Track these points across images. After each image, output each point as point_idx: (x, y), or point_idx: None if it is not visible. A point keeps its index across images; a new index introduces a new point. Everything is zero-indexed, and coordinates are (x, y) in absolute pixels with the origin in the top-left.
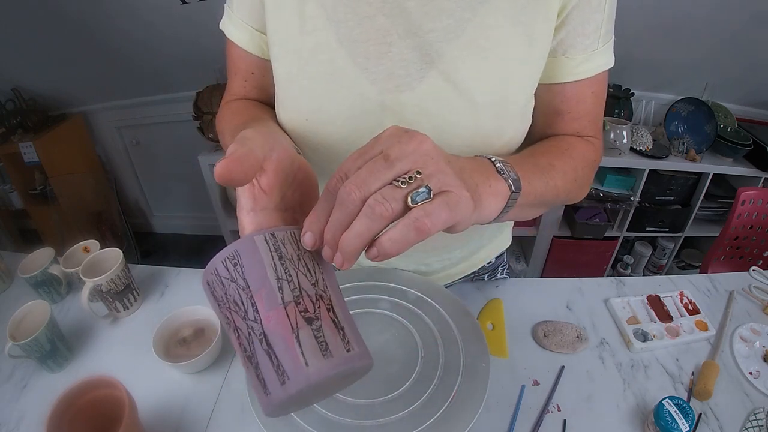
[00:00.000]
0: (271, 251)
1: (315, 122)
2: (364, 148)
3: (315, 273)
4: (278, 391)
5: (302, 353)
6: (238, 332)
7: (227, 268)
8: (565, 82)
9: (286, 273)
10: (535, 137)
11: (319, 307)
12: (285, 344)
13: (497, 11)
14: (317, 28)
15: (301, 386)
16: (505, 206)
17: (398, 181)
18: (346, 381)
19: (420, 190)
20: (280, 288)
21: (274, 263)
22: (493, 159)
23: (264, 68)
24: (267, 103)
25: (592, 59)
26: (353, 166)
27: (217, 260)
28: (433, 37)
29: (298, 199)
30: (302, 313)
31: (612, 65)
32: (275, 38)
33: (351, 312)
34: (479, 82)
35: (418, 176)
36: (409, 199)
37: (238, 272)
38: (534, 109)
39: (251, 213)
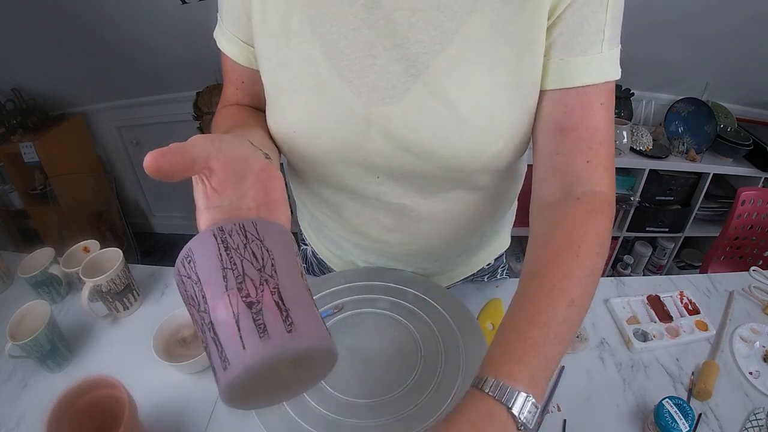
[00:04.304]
0: (218, 243)
1: (302, 134)
2: None
3: (262, 259)
4: (223, 377)
5: (241, 337)
6: (197, 325)
7: (184, 266)
8: (565, 89)
9: (231, 262)
10: (543, 166)
11: (262, 291)
12: (227, 330)
13: (484, 21)
14: (303, 41)
15: (239, 370)
16: None
17: None
18: (305, 369)
19: None
20: (225, 277)
21: (220, 254)
22: (516, 414)
23: (254, 78)
24: (259, 108)
25: (595, 63)
26: None
27: (178, 260)
28: (419, 48)
29: (262, 198)
30: (244, 299)
31: (619, 77)
32: (262, 51)
33: (351, 312)
34: (465, 95)
35: None
36: None
37: (192, 268)
38: (537, 130)
39: (205, 211)
